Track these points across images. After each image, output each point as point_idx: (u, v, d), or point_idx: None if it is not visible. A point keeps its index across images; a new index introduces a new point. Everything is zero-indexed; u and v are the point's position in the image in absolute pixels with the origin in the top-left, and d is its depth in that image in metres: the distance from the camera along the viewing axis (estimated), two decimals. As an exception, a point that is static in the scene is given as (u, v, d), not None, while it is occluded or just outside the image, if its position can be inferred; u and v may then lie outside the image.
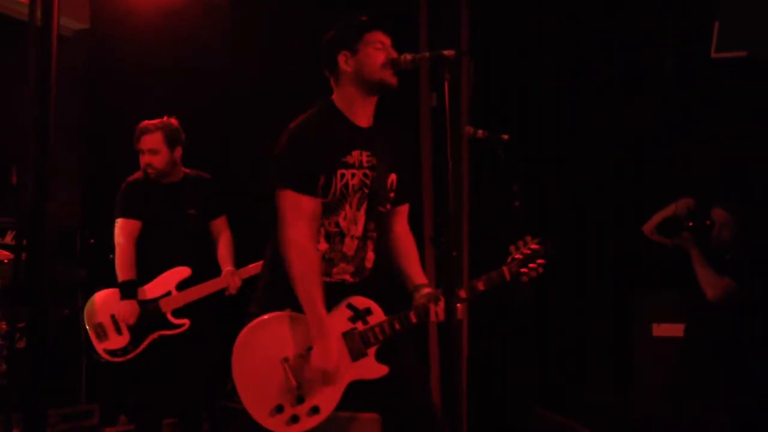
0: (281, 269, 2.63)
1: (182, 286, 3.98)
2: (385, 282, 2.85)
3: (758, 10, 4.23)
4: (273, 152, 2.69)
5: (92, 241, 4.87)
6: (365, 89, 2.71)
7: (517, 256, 2.76)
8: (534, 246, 2.76)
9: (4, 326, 4.18)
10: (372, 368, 2.67)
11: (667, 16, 4.42)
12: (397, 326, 2.66)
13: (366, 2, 3.11)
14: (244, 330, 2.62)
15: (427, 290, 2.76)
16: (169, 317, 3.94)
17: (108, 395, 4.76)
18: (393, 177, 2.79)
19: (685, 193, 3.91)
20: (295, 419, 2.58)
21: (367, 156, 2.72)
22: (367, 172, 2.72)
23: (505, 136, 3.65)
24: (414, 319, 2.67)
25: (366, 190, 2.72)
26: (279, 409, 2.56)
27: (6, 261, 4.09)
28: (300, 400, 2.58)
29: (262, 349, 2.59)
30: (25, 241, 3.93)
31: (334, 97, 2.77)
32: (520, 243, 2.78)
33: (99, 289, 4.00)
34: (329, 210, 2.68)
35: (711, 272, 3.75)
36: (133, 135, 4.00)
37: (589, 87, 4.55)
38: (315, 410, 2.60)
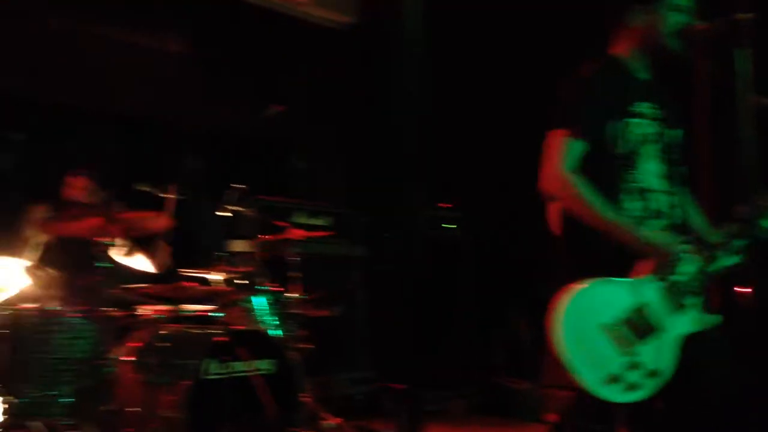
0: (573, 237, 2.54)
1: None
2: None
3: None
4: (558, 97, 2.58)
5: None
6: (648, 49, 2.58)
7: None
8: None
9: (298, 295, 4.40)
10: (695, 319, 2.48)
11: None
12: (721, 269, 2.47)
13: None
14: (556, 309, 2.40)
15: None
16: None
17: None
18: (680, 131, 2.63)
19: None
20: (633, 386, 2.40)
21: (652, 108, 2.57)
22: (657, 123, 2.57)
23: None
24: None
25: (659, 143, 2.56)
26: (614, 378, 2.39)
27: (302, 239, 4.50)
28: (634, 366, 2.41)
29: (581, 321, 2.39)
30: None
31: (615, 50, 2.64)
32: None
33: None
34: (629, 164, 2.52)
35: None
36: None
37: None
38: (653, 374, 2.42)
